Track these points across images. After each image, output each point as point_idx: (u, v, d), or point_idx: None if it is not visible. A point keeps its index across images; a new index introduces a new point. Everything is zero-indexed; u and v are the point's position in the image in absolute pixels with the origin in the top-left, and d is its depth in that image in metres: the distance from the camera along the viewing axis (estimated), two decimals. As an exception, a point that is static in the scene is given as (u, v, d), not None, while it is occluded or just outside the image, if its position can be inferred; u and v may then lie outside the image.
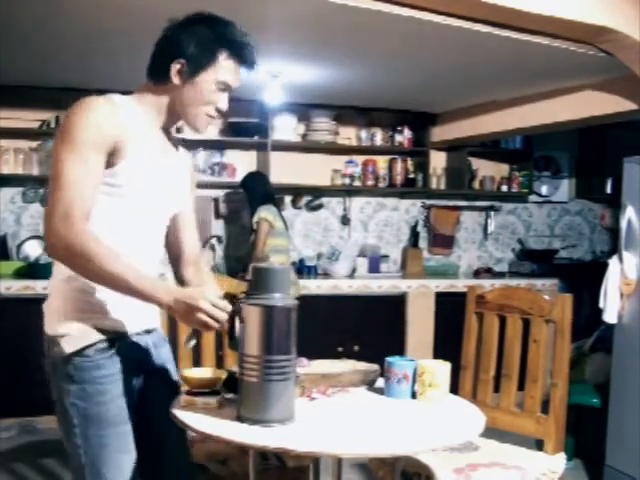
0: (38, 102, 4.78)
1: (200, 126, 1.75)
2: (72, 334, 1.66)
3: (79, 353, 1.66)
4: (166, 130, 1.82)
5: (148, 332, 1.83)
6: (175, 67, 1.68)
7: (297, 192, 5.47)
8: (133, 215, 1.71)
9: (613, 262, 3.54)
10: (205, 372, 1.84)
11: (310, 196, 5.53)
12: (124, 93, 1.74)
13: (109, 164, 1.64)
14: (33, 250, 4.82)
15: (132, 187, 1.68)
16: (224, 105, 1.74)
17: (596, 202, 6.34)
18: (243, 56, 1.72)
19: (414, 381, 1.93)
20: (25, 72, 4.27)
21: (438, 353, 4.68)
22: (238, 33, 1.72)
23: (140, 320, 1.79)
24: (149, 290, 1.55)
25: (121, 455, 1.69)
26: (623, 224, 3.52)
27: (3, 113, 4.68)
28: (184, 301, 1.54)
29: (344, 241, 5.60)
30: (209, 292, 1.57)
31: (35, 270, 4.49)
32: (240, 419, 1.59)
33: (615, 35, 3.00)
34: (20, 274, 4.55)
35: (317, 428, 1.63)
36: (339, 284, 5.04)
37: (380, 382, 2.03)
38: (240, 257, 5.18)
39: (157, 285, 1.57)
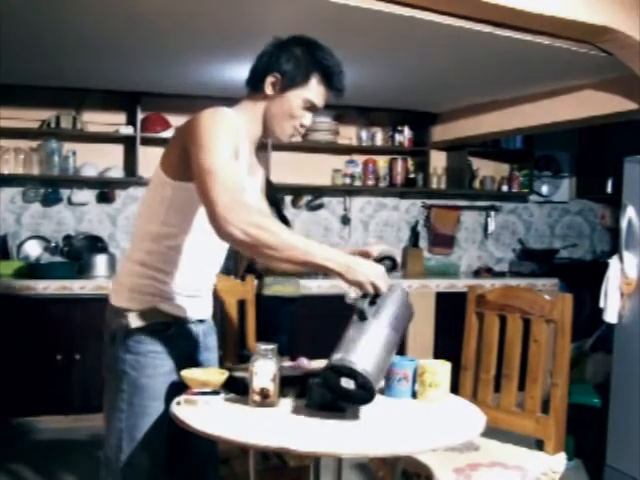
0: (38, 102, 4.77)
1: (282, 137, 1.91)
2: (138, 311, 1.83)
3: (140, 329, 1.82)
4: (256, 147, 1.95)
5: (201, 322, 1.98)
6: (270, 79, 1.84)
7: (297, 192, 5.47)
8: (208, 231, 1.70)
9: (613, 262, 3.54)
10: (205, 372, 1.84)
11: (310, 196, 5.52)
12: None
13: None
14: (33, 250, 4.82)
15: None
16: (308, 122, 1.90)
17: (596, 202, 6.33)
18: (333, 82, 1.87)
19: (414, 381, 1.93)
20: (25, 72, 4.27)
21: (438, 353, 4.68)
22: (333, 61, 1.86)
23: (197, 310, 1.95)
24: (322, 262, 1.70)
25: (156, 428, 1.84)
26: (623, 224, 3.52)
27: (3, 113, 4.67)
28: (355, 273, 1.75)
29: (344, 241, 5.60)
30: (379, 269, 1.75)
31: (35, 270, 4.49)
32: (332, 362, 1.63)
33: (615, 35, 3.00)
34: (20, 274, 4.55)
35: (317, 428, 1.63)
36: (339, 284, 5.00)
37: (380, 382, 2.03)
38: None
39: (329, 256, 1.70)
